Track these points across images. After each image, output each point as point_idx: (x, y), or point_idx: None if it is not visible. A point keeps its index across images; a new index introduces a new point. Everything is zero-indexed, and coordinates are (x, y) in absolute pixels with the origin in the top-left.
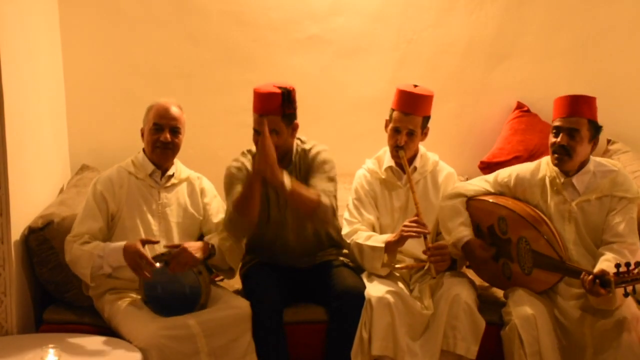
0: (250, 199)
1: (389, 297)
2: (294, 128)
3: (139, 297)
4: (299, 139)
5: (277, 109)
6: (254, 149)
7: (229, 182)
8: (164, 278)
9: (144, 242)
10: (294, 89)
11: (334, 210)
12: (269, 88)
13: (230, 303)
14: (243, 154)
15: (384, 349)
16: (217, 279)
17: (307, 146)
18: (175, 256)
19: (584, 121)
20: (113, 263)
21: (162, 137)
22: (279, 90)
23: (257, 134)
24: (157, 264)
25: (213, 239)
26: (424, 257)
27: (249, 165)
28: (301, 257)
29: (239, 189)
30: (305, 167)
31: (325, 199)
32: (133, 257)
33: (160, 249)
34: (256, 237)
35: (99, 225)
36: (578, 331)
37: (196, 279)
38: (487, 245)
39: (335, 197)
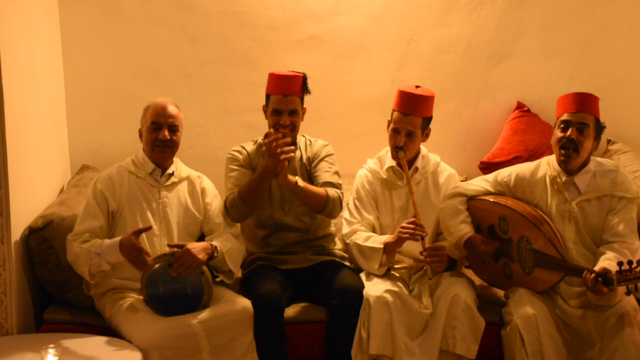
0: (258, 191)
1: (388, 296)
2: (304, 112)
3: (140, 297)
4: (302, 135)
5: (298, 91)
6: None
7: (227, 165)
8: (165, 278)
9: (138, 233)
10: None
11: (340, 203)
12: (289, 72)
13: (232, 302)
14: (247, 143)
15: (382, 348)
16: (217, 279)
17: (312, 138)
18: (178, 258)
19: (591, 118)
20: (111, 260)
21: (161, 135)
22: (300, 74)
23: (278, 114)
24: (157, 265)
25: (215, 240)
26: (422, 257)
27: (249, 149)
28: (296, 244)
29: (239, 171)
30: (312, 154)
31: (332, 193)
32: (130, 250)
33: (162, 248)
34: (255, 221)
35: (100, 223)
36: (583, 328)
37: (198, 279)
38: (489, 240)
39: (341, 187)
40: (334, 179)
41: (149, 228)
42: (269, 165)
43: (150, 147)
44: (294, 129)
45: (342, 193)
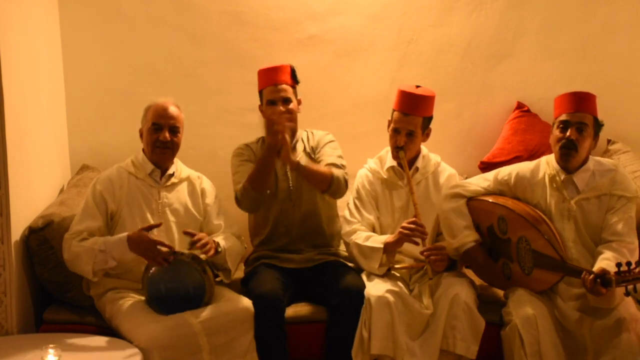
0: (264, 173)
1: (389, 296)
2: (299, 102)
3: (141, 297)
4: (304, 130)
5: (288, 79)
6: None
7: (233, 162)
8: (167, 277)
9: (147, 229)
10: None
11: (346, 182)
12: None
13: (233, 301)
14: (251, 142)
15: (383, 348)
16: (217, 279)
17: (313, 130)
18: (200, 239)
19: (590, 117)
20: (117, 256)
21: (162, 137)
22: (287, 64)
23: (273, 104)
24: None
25: (217, 237)
26: (423, 257)
27: (252, 146)
28: (302, 239)
29: (245, 166)
30: (314, 143)
31: (337, 172)
32: (146, 246)
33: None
34: (261, 216)
35: (98, 224)
36: (577, 332)
37: (200, 278)
38: (488, 256)
39: (345, 167)
40: (338, 161)
41: (159, 225)
42: (270, 143)
43: (151, 148)
44: (291, 117)
45: (347, 174)
